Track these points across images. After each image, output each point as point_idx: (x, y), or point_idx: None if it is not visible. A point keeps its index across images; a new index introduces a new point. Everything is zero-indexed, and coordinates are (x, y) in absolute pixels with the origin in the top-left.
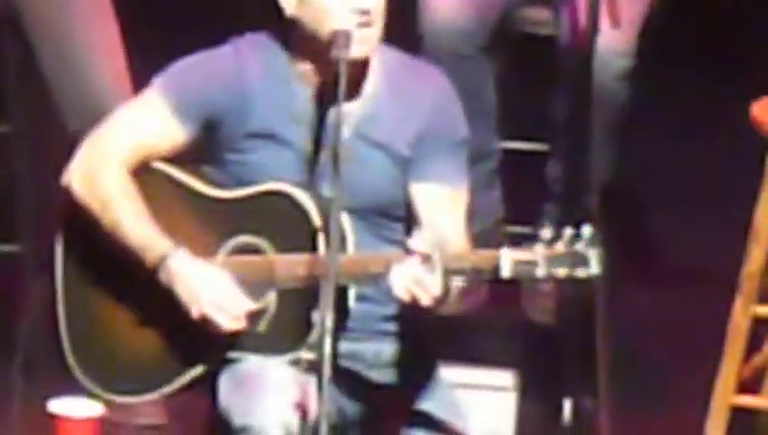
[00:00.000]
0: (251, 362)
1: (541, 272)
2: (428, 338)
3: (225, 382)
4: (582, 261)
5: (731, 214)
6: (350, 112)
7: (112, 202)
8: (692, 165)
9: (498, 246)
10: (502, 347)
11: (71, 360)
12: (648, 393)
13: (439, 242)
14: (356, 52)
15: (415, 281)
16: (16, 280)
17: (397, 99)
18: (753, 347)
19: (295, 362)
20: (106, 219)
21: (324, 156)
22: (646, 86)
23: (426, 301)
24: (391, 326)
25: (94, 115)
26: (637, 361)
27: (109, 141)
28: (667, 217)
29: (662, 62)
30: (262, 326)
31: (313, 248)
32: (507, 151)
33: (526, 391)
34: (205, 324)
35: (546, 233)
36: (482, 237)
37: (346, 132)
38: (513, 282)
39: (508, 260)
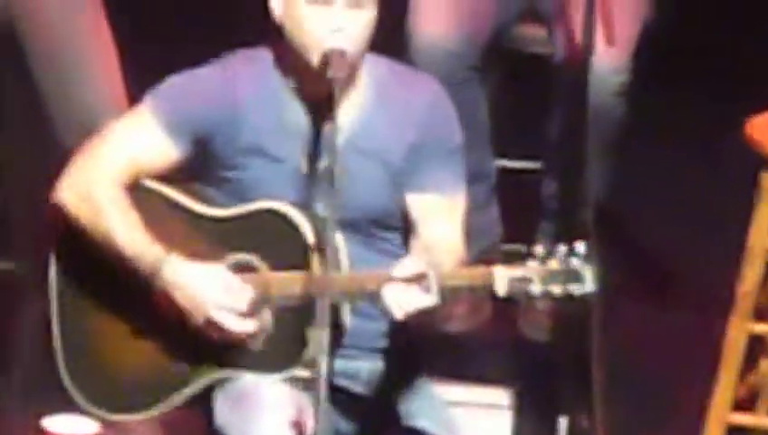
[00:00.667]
0: (247, 380)
1: (536, 289)
2: (423, 355)
3: (221, 400)
4: (577, 278)
5: (726, 232)
6: (342, 123)
7: (104, 213)
8: (687, 183)
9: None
10: (497, 365)
11: (65, 377)
12: (643, 411)
13: (434, 259)
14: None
15: (410, 300)
16: (11, 297)
17: (389, 108)
18: (748, 365)
19: (291, 380)
20: (98, 231)
21: (318, 171)
22: (641, 103)
23: (421, 319)
24: (386, 343)
25: (89, 132)
26: (632, 378)
27: (101, 157)
28: (662, 234)
29: (657, 80)
30: (257, 344)
31: (308, 266)
32: (503, 170)
33: (522, 409)
34: (210, 331)
35: (540, 250)
36: (481, 257)
37: (338, 144)
38: (508, 299)
39: (503, 277)
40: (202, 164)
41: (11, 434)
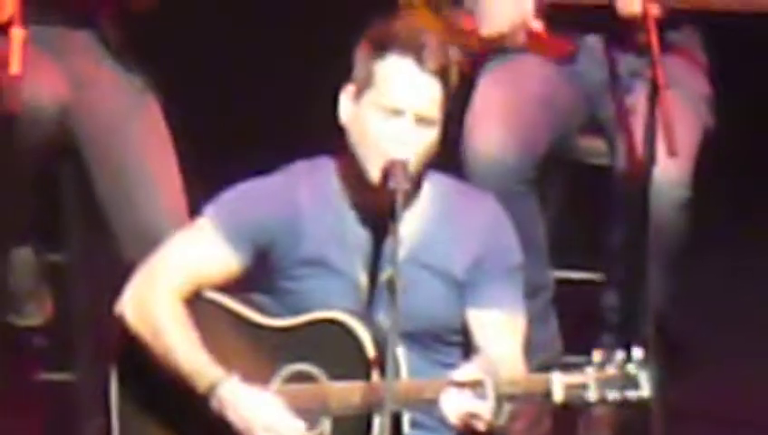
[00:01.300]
0: None
1: (592, 395)
2: None
3: None
4: (633, 383)
5: None
6: (404, 237)
7: (164, 330)
8: (750, 296)
9: None
10: None
11: None
12: None
13: (491, 367)
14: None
15: (467, 407)
16: (72, 410)
17: (450, 224)
18: None
19: None
20: (158, 348)
21: (378, 283)
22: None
23: (479, 427)
24: None
25: (150, 244)
26: None
27: (161, 270)
28: (725, 349)
29: (717, 190)
30: None
31: (367, 376)
32: (563, 281)
33: None
34: None
35: (597, 356)
36: (542, 371)
37: (400, 257)
38: (570, 410)
39: (559, 384)
40: (261, 274)
41: None
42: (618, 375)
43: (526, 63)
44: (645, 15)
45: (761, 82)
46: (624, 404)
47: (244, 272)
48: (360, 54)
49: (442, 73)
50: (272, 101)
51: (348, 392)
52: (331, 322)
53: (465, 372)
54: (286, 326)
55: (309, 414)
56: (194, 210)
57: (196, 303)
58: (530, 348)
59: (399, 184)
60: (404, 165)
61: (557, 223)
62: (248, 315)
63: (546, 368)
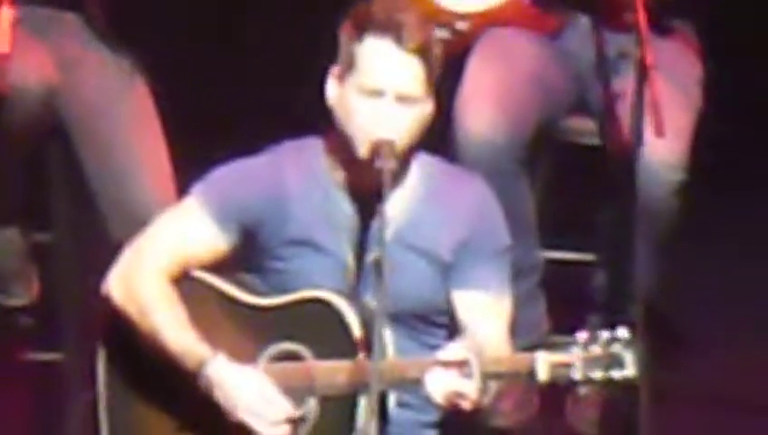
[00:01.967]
0: None
1: (577, 374)
2: None
3: None
4: (618, 363)
5: None
6: (391, 218)
7: (151, 309)
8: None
9: None
10: None
11: None
12: None
13: (477, 347)
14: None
15: (452, 386)
16: (58, 389)
17: (438, 205)
18: None
19: None
20: (145, 326)
21: (365, 263)
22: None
23: (465, 406)
24: (432, 433)
25: (138, 224)
26: None
27: (148, 250)
28: (712, 331)
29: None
30: (303, 433)
31: (354, 355)
32: (552, 262)
33: None
34: (245, 431)
35: (583, 336)
36: (528, 350)
37: (387, 238)
38: (557, 391)
39: (544, 363)
40: (248, 254)
41: None
42: (603, 355)
43: (515, 41)
44: None
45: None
46: (609, 384)
47: (232, 251)
48: (342, 36)
49: (422, 51)
50: (260, 81)
51: (334, 372)
52: (318, 301)
53: (451, 351)
54: (273, 305)
55: (295, 393)
56: (182, 190)
57: (183, 282)
58: (517, 328)
59: (386, 163)
60: (390, 144)
61: (546, 203)
62: (235, 295)
63: (533, 348)
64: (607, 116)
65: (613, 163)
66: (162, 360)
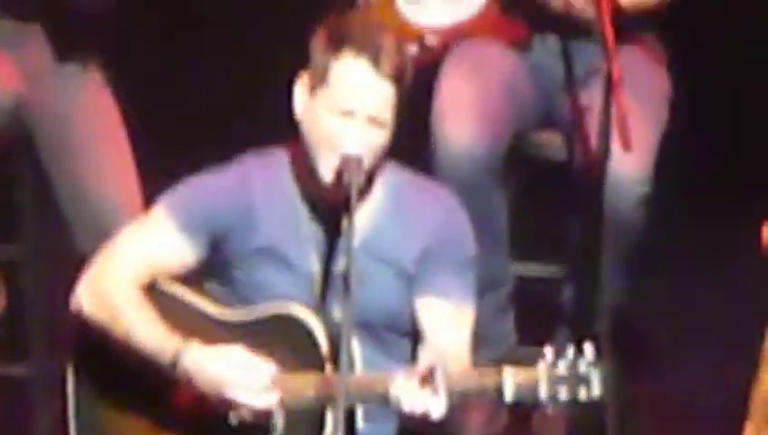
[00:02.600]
0: None
1: (543, 394)
2: None
3: None
4: (584, 382)
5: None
6: (357, 229)
7: (122, 313)
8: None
9: None
10: None
11: None
12: None
13: (442, 360)
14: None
15: (419, 401)
16: (25, 402)
17: (403, 215)
18: None
19: None
20: (118, 330)
21: (331, 275)
22: (661, 215)
23: (432, 419)
24: None
25: (105, 234)
26: None
27: (116, 260)
28: (679, 346)
29: (677, 191)
30: None
31: (321, 369)
32: (521, 276)
33: None
34: (233, 412)
35: (549, 354)
36: (496, 364)
37: (354, 248)
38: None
39: (510, 382)
40: (215, 264)
41: None
42: (569, 374)
43: (488, 52)
44: (600, 9)
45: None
46: (575, 403)
47: (199, 261)
48: (316, 46)
49: (397, 76)
50: (226, 90)
51: (301, 385)
52: (285, 314)
53: (417, 366)
54: (240, 318)
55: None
56: (148, 201)
57: (150, 294)
58: (486, 340)
59: (354, 178)
60: (358, 160)
61: (514, 217)
62: (202, 307)
63: (500, 360)
64: (574, 130)
65: (580, 177)
66: (137, 364)
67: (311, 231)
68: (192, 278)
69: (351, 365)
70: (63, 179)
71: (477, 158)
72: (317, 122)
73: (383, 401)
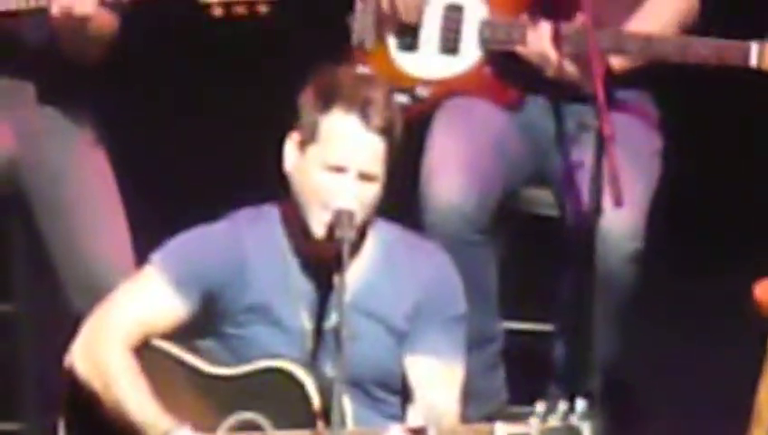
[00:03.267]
0: None
1: None
2: None
3: None
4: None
5: (733, 400)
6: (348, 286)
7: (114, 381)
8: (691, 348)
9: None
10: None
11: None
12: None
13: (433, 416)
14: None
15: None
16: None
17: (394, 272)
18: None
19: None
20: (109, 398)
21: (322, 331)
22: (652, 271)
23: None
24: None
25: (98, 294)
26: None
27: (110, 321)
28: (671, 406)
29: (666, 244)
30: None
31: (313, 425)
32: (512, 332)
33: None
34: None
35: (541, 407)
36: (486, 421)
37: (345, 305)
38: None
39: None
40: (207, 320)
41: None
42: (561, 426)
43: (478, 110)
44: (592, 69)
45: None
46: None
47: (192, 318)
48: (305, 103)
49: (387, 129)
50: (218, 147)
51: None
52: (277, 370)
53: (408, 422)
54: (232, 375)
55: None
56: (141, 256)
57: (142, 350)
58: (476, 397)
59: (345, 233)
60: (350, 215)
61: (505, 273)
62: (194, 363)
63: (491, 417)
64: (565, 186)
65: (571, 233)
66: (127, 430)
67: (302, 287)
68: (183, 335)
69: (343, 422)
70: (56, 238)
71: (466, 214)
72: (308, 178)
73: None
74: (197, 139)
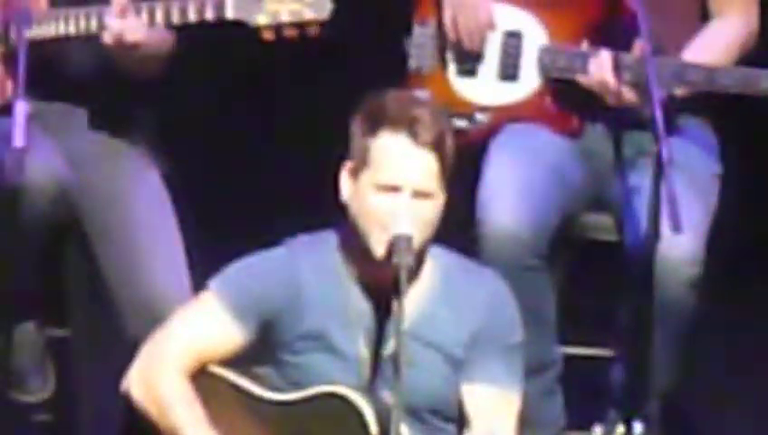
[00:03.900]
0: None
1: None
2: None
3: None
4: None
5: None
6: (406, 313)
7: (171, 408)
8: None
9: None
10: None
11: None
12: None
13: None
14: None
15: None
16: None
17: (452, 300)
18: None
19: None
20: (165, 425)
21: (380, 358)
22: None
23: None
24: None
25: (154, 319)
26: None
27: (167, 346)
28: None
29: (730, 272)
30: None
31: None
32: (570, 356)
33: None
34: None
35: (598, 430)
36: None
37: (403, 333)
38: None
39: None
40: (264, 347)
41: None
42: None
43: (538, 137)
44: (650, 93)
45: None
46: None
47: (249, 345)
48: (355, 130)
49: (437, 145)
50: (276, 170)
51: None
52: (335, 396)
53: None
54: (289, 400)
55: None
56: (197, 280)
57: (199, 377)
58: (535, 423)
59: (403, 259)
60: (408, 239)
61: (564, 298)
62: (251, 389)
63: None
64: (624, 211)
65: (630, 258)
66: None
67: (359, 314)
68: (240, 362)
69: None
70: (111, 263)
71: (523, 239)
72: (364, 202)
73: None
74: (255, 160)
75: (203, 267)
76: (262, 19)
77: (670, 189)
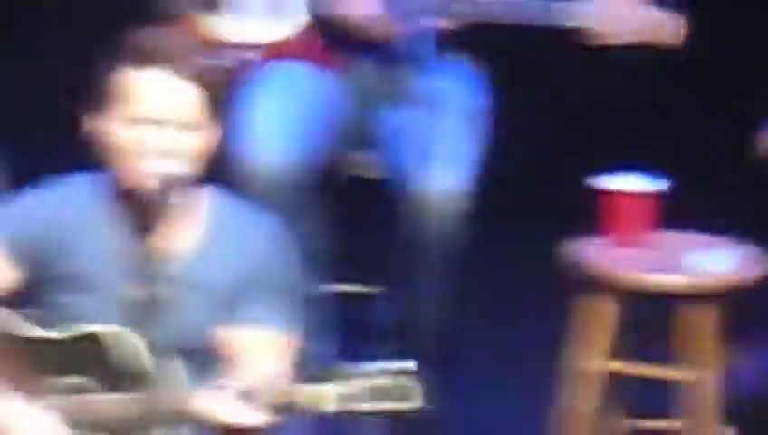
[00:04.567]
0: None
1: (364, 406)
2: None
3: None
4: (405, 395)
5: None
6: (175, 253)
7: None
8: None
9: None
10: None
11: None
12: None
13: (265, 381)
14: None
15: (239, 418)
16: None
17: (223, 241)
18: None
19: None
20: None
21: (150, 298)
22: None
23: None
24: None
25: None
26: None
27: None
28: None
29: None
30: None
31: (143, 389)
32: (341, 294)
33: None
34: None
35: (370, 367)
36: (315, 382)
37: (170, 274)
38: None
39: (331, 394)
40: (34, 288)
41: None
42: (390, 386)
43: (304, 74)
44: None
45: None
46: (396, 415)
47: (17, 285)
48: (105, 69)
49: (199, 77)
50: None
51: (124, 405)
52: (104, 334)
53: (237, 382)
54: (59, 339)
55: (85, 428)
56: None
57: None
58: (305, 360)
59: (164, 196)
60: (175, 178)
61: (331, 236)
62: (21, 328)
63: (320, 379)
64: (391, 147)
65: (396, 194)
66: None
67: (126, 255)
68: (9, 303)
69: (175, 386)
70: None
71: (291, 179)
72: (118, 138)
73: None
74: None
75: None
76: None
77: (435, 124)
